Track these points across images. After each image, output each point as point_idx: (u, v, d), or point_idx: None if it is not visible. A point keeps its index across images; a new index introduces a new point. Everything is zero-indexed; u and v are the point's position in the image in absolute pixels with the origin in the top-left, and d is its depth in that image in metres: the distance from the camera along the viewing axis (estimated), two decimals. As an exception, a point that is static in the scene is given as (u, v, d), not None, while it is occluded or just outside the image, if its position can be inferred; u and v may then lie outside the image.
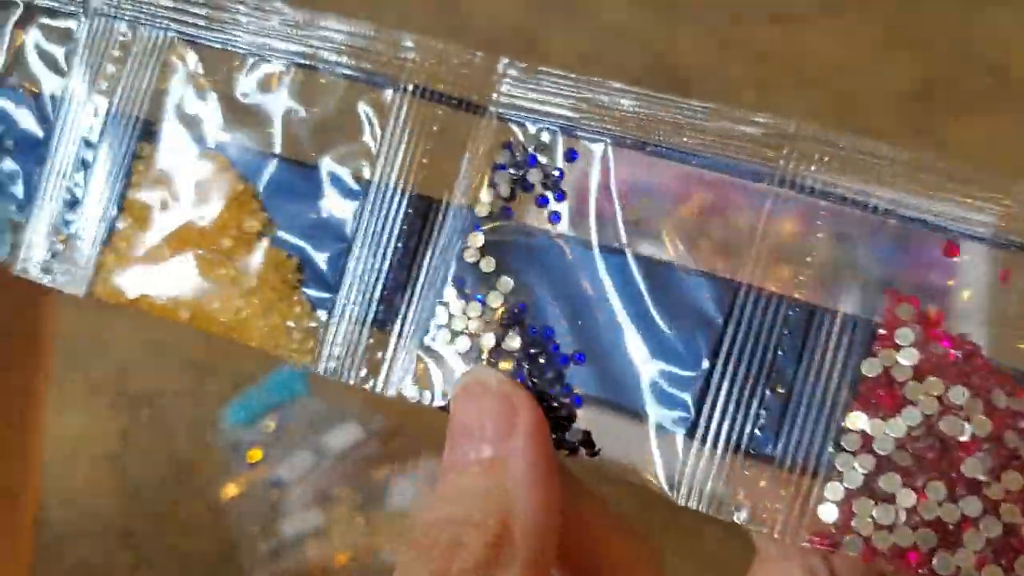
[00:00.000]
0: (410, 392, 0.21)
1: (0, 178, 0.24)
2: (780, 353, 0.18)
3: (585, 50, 0.89)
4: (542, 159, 0.20)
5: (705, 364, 0.19)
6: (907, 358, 0.18)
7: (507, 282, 0.20)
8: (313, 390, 0.62)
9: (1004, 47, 0.86)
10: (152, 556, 0.54)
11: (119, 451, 0.59)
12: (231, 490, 0.57)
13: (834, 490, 0.17)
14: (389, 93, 0.22)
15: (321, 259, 0.22)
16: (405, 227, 0.21)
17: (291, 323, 0.22)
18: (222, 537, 0.55)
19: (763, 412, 0.18)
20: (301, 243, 0.22)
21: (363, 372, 0.21)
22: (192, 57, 0.23)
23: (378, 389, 0.21)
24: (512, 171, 0.20)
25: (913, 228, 0.19)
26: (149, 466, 0.58)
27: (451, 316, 0.20)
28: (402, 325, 0.21)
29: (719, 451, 0.18)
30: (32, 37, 0.25)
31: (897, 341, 0.18)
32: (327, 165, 0.22)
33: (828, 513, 0.17)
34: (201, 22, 0.23)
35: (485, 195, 0.21)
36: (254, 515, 0.56)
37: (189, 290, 0.22)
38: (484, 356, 0.20)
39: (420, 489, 0.56)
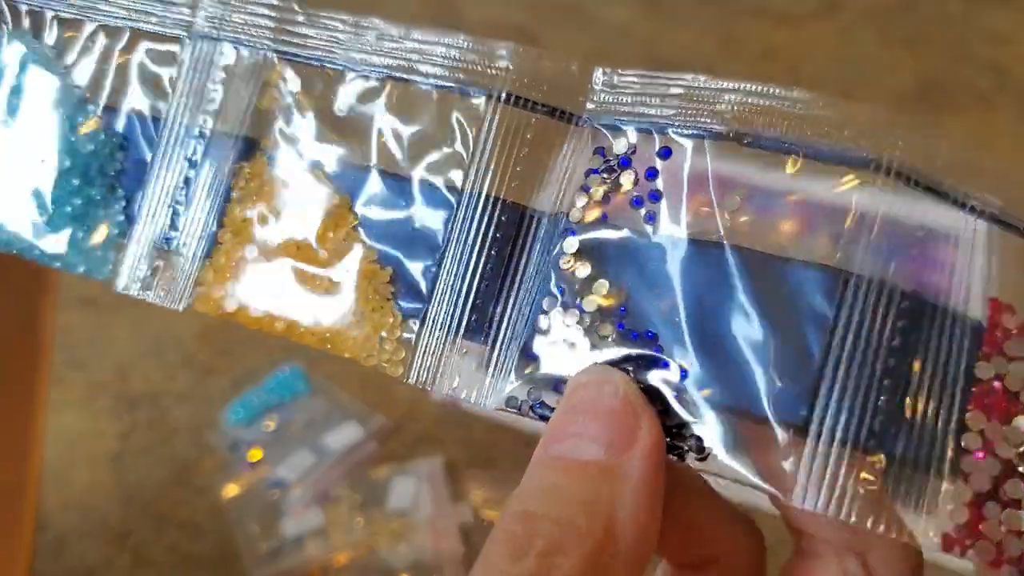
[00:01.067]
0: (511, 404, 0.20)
1: (109, 200, 0.25)
2: (894, 346, 0.18)
3: (586, 50, 0.89)
4: (635, 160, 0.20)
5: (817, 359, 0.18)
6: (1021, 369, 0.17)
7: (604, 286, 0.20)
8: (313, 390, 0.62)
9: (1004, 47, 0.86)
10: (152, 556, 0.54)
11: (119, 451, 0.59)
12: (231, 490, 0.57)
13: (961, 492, 0.17)
14: (482, 101, 0.22)
15: (414, 269, 0.22)
16: (499, 235, 0.21)
17: (384, 334, 0.22)
18: (222, 537, 0.55)
19: (880, 408, 0.17)
20: (395, 253, 0.22)
21: (455, 383, 0.21)
22: (291, 75, 0.24)
23: (472, 400, 0.21)
24: (605, 175, 0.20)
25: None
26: (149, 466, 0.58)
27: (550, 325, 0.20)
28: (497, 335, 0.21)
29: (834, 449, 0.17)
30: (137, 60, 0.25)
31: (1007, 351, 0.17)
32: (420, 175, 0.22)
33: (959, 515, 0.17)
34: (300, 41, 0.24)
35: (579, 200, 0.20)
36: (254, 515, 0.56)
37: (285, 302, 0.23)
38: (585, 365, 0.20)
39: (420, 489, 0.56)
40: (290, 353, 0.63)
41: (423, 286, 0.22)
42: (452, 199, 0.22)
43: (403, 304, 0.22)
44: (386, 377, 0.22)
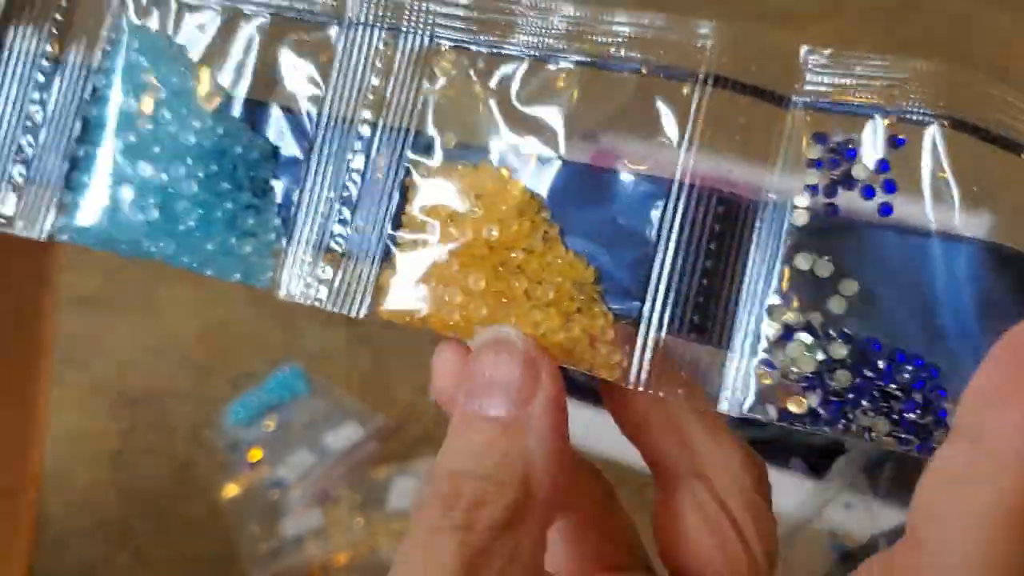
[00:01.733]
0: (757, 410, 0.19)
1: (262, 203, 0.23)
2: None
3: (585, 50, 0.89)
4: (863, 148, 0.19)
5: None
6: None
7: (851, 285, 0.19)
8: (313, 390, 0.62)
9: (1004, 47, 0.86)
10: (152, 556, 0.54)
11: (119, 451, 0.59)
12: (231, 490, 0.57)
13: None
14: (687, 86, 0.20)
15: (621, 266, 0.20)
16: (716, 228, 0.20)
17: (594, 335, 0.20)
18: (222, 537, 0.55)
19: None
20: (597, 250, 0.20)
21: (680, 388, 0.20)
22: (463, 63, 0.22)
23: (718, 407, 0.19)
24: (830, 167, 0.19)
25: None
26: (149, 466, 0.58)
27: (787, 326, 0.19)
28: (721, 335, 0.20)
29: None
30: (283, 52, 0.23)
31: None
32: (621, 166, 0.20)
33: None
34: (471, 26, 0.22)
35: (804, 196, 0.19)
36: (254, 515, 0.56)
37: (483, 306, 0.21)
38: (830, 367, 0.18)
39: (420, 489, 0.56)
40: (290, 353, 0.63)
41: (634, 284, 0.20)
42: (660, 190, 0.20)
43: (613, 304, 0.20)
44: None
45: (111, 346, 0.64)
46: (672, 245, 0.20)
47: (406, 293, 0.21)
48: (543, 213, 0.21)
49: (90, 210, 0.23)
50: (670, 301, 0.20)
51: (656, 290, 0.20)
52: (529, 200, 0.21)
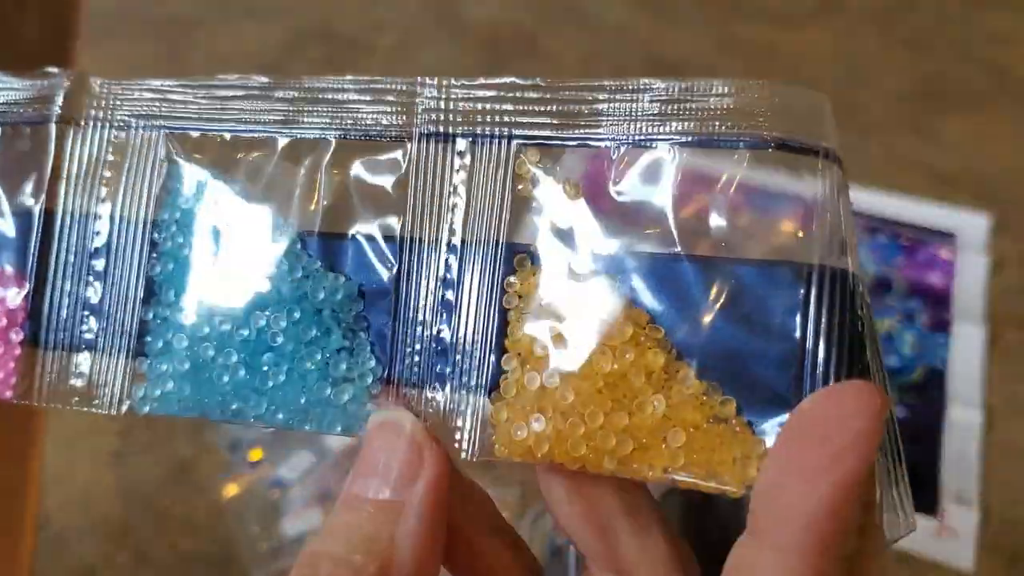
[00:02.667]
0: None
1: (353, 346, 0.21)
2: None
3: (585, 50, 0.89)
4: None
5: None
6: None
7: None
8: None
9: (1004, 47, 0.86)
10: (152, 556, 0.54)
11: (119, 450, 0.59)
12: (231, 490, 0.57)
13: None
14: (811, 158, 0.18)
15: (765, 369, 0.17)
16: (866, 316, 0.18)
17: (737, 454, 0.18)
18: (222, 537, 0.55)
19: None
20: (728, 368, 0.18)
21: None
22: (547, 161, 0.20)
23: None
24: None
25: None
26: (149, 465, 0.58)
27: None
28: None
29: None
30: (352, 176, 0.21)
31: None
32: (751, 256, 0.18)
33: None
34: (552, 120, 0.20)
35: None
36: (254, 515, 0.56)
37: (611, 436, 0.18)
38: None
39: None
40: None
41: (783, 387, 0.17)
42: (798, 282, 0.18)
43: (759, 421, 0.17)
44: None
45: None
46: (821, 345, 0.17)
47: (521, 427, 0.19)
48: (657, 333, 0.18)
49: (170, 376, 0.21)
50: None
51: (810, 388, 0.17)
52: (642, 321, 0.19)
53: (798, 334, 0.17)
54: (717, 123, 0.19)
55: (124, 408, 0.21)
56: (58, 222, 0.22)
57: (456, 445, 0.20)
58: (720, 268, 0.18)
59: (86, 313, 0.22)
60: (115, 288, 0.22)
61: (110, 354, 0.22)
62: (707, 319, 0.18)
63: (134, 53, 0.84)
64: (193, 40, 0.87)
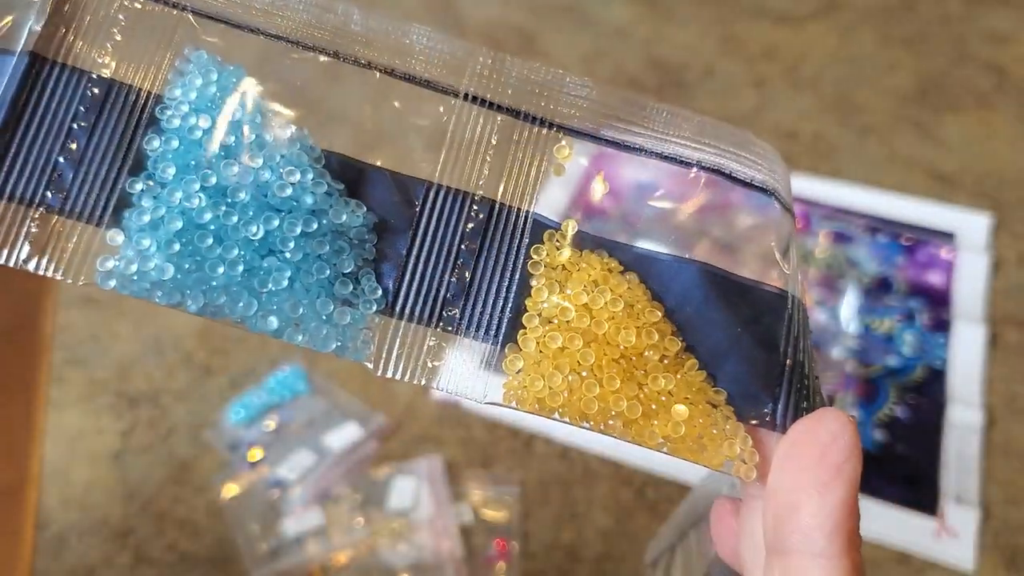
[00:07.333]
0: None
1: (362, 271, 0.21)
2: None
3: (585, 50, 0.89)
4: None
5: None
6: None
7: None
8: (313, 390, 0.62)
9: (1004, 47, 0.86)
10: (152, 555, 0.54)
11: (119, 451, 0.59)
12: (231, 490, 0.57)
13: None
14: (783, 216, 0.22)
15: (748, 380, 0.20)
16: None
17: (723, 432, 0.20)
18: (222, 537, 0.55)
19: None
20: (723, 366, 0.20)
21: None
22: (584, 153, 0.21)
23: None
24: None
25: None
26: (149, 465, 0.58)
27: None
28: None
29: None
30: (391, 110, 0.21)
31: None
32: (749, 272, 0.21)
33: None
34: (597, 117, 0.21)
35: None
36: (254, 515, 0.56)
37: (623, 399, 0.20)
38: None
39: (420, 489, 0.56)
40: (290, 353, 0.63)
41: (764, 390, 0.20)
42: (784, 306, 0.21)
43: (745, 412, 0.20)
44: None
45: (111, 345, 0.64)
46: (805, 354, 0.21)
47: (535, 380, 0.20)
48: (673, 325, 0.21)
49: (152, 255, 0.20)
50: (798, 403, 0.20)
51: (797, 398, 0.20)
52: (662, 311, 0.21)
53: (781, 346, 0.20)
54: (734, 163, 0.21)
55: (82, 279, 0.20)
56: (47, 69, 0.20)
57: (465, 388, 0.20)
58: (723, 280, 0.21)
59: (59, 172, 0.20)
60: (98, 151, 0.20)
61: (77, 217, 0.20)
62: (711, 322, 0.21)
63: None
64: None
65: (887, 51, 0.87)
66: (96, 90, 0.20)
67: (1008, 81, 0.83)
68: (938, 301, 0.66)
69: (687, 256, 0.21)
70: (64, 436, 0.59)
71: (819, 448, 0.19)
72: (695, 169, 0.21)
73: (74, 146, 0.20)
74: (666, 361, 0.20)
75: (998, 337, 0.64)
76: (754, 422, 0.20)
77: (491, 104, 0.21)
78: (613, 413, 0.20)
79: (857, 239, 0.70)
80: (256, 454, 0.58)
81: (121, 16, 0.21)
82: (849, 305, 0.66)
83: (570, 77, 0.21)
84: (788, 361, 0.20)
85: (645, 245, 0.21)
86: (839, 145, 0.77)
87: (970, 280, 0.68)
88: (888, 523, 0.55)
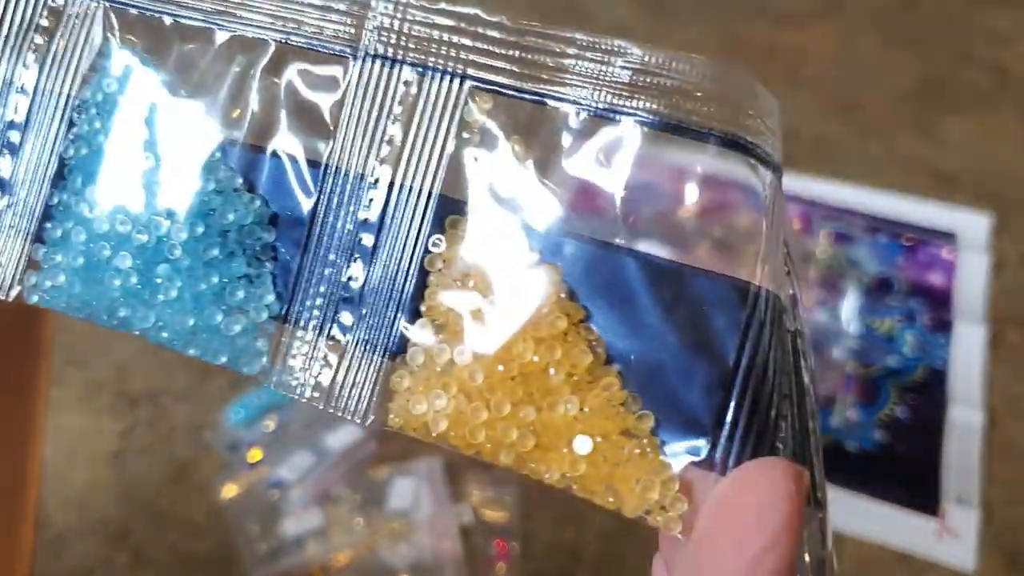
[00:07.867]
0: None
1: (255, 274, 0.19)
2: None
3: (585, 50, 0.89)
4: None
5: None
6: None
7: None
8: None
9: (1004, 47, 0.86)
10: (152, 556, 0.54)
11: (119, 451, 0.59)
12: (231, 490, 0.57)
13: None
14: (761, 166, 0.16)
15: (688, 394, 0.16)
16: (796, 340, 0.16)
17: (641, 475, 0.16)
18: (222, 537, 0.55)
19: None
20: (653, 381, 0.16)
21: None
22: (499, 113, 0.17)
23: None
24: None
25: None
26: (149, 466, 0.58)
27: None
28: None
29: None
30: (285, 84, 0.19)
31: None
32: (692, 258, 0.16)
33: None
34: (513, 67, 0.17)
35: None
36: (254, 515, 0.56)
37: (514, 428, 0.17)
38: None
39: (420, 489, 0.56)
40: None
41: (705, 415, 0.16)
42: (742, 304, 0.16)
43: (672, 444, 0.16)
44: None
45: (111, 345, 0.64)
46: (757, 367, 0.16)
47: (420, 400, 0.17)
48: (589, 334, 0.17)
49: (62, 269, 0.19)
50: (749, 439, 0.16)
51: (733, 427, 0.16)
52: (576, 317, 0.17)
53: (732, 359, 0.16)
54: (690, 108, 0.16)
55: (14, 293, 0.19)
56: None
57: (350, 408, 0.18)
58: (665, 271, 0.16)
59: None
60: (27, 165, 0.20)
61: (8, 233, 0.20)
62: (643, 325, 0.16)
63: None
64: None
65: (888, 51, 0.87)
66: (20, 101, 0.20)
67: (1010, 81, 0.83)
68: (939, 301, 0.66)
69: (617, 242, 0.17)
70: (64, 436, 0.59)
71: (754, 514, 0.15)
72: (632, 124, 0.17)
73: (5, 161, 0.20)
74: (575, 379, 0.17)
75: (999, 337, 0.64)
76: (687, 458, 0.16)
77: (393, 61, 0.18)
78: (505, 444, 0.17)
79: (858, 239, 0.70)
80: (256, 455, 0.58)
81: (43, 17, 0.20)
82: (850, 305, 0.66)
83: (485, 16, 0.18)
84: (740, 377, 0.16)
85: (565, 227, 0.17)
86: (840, 145, 0.77)
87: (971, 280, 0.68)
88: (889, 524, 0.55)
